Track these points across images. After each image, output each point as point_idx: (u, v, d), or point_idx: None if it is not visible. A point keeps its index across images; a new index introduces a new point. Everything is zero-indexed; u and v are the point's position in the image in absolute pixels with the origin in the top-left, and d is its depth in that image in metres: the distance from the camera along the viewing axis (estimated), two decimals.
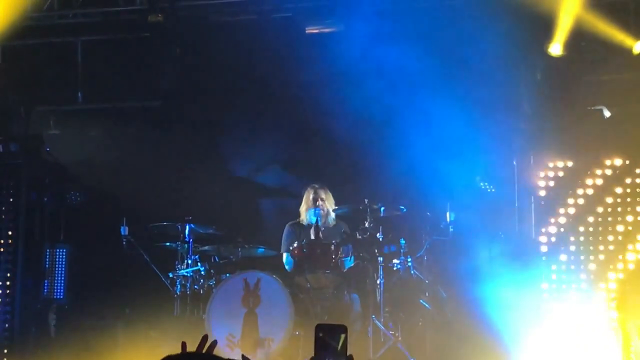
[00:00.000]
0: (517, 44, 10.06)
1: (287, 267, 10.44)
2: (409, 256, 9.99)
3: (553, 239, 9.87)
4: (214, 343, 3.79)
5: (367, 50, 10.53)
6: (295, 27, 11.03)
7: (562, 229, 9.86)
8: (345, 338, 2.65)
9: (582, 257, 9.79)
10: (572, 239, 9.82)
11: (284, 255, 10.47)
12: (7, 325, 10.68)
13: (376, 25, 10.68)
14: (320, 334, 2.69)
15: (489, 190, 10.41)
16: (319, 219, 10.26)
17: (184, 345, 3.31)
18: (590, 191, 9.83)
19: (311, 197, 10.39)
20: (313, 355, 2.67)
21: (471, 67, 10.21)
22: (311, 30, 11.16)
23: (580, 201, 9.84)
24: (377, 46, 10.49)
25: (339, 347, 2.64)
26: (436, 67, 10.29)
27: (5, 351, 10.60)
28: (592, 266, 9.73)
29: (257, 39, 11.01)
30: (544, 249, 9.87)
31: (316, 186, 10.45)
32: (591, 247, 9.77)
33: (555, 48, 10.14)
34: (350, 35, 10.82)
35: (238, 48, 11.21)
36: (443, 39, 10.24)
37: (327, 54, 10.54)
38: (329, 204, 10.43)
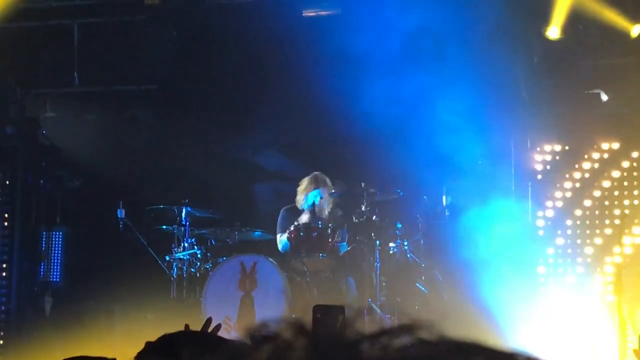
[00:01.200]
0: (514, 26, 10.04)
1: (280, 247, 10.41)
2: (405, 240, 10.01)
3: (549, 223, 9.88)
4: (219, 326, 3.80)
5: (364, 34, 10.50)
6: (292, 10, 11.00)
7: (558, 213, 9.87)
8: (344, 319, 2.63)
9: (578, 241, 9.80)
10: (568, 222, 9.84)
11: (278, 235, 10.44)
12: (3, 309, 10.68)
13: (373, 8, 10.65)
14: (318, 315, 2.67)
15: (485, 169, 10.39)
16: (315, 202, 10.24)
17: (187, 327, 3.32)
18: (587, 175, 9.84)
19: (309, 182, 10.36)
20: None
21: (468, 50, 10.19)
22: (308, 13, 11.13)
23: (577, 185, 9.85)
24: (373, 29, 10.46)
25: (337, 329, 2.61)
26: (433, 51, 10.28)
27: (2, 333, 10.60)
28: (588, 250, 9.74)
29: (254, 22, 10.99)
30: (540, 232, 9.88)
31: (316, 173, 10.40)
32: (588, 231, 9.78)
33: (553, 31, 10.12)
34: (347, 18, 10.80)
35: (234, 31, 11.18)
36: (440, 22, 10.21)
37: (324, 37, 10.51)
38: (325, 188, 10.41)
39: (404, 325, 1.16)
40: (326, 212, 10.39)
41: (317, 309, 2.69)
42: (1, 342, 10.56)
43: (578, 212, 9.80)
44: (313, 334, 1.17)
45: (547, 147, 9.99)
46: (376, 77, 10.26)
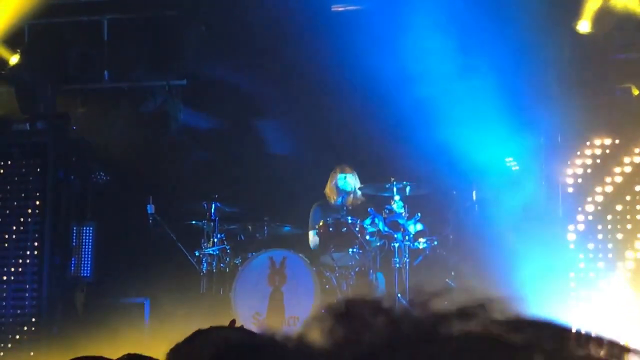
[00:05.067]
0: (545, 21, 9.97)
1: (311, 244, 10.43)
2: (434, 235, 9.98)
3: (583, 221, 9.78)
4: (233, 322, 3.78)
5: (393, 29, 10.48)
6: (321, 4, 10.99)
7: (592, 211, 9.76)
8: None
9: (610, 246, 9.68)
10: (608, 217, 9.70)
11: (310, 233, 10.46)
12: (34, 304, 10.73)
13: (402, 4, 10.62)
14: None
15: (514, 167, 10.35)
16: (344, 197, 10.24)
17: (233, 322, 3.31)
18: (618, 178, 9.72)
19: (337, 176, 10.39)
20: None
21: (498, 45, 10.14)
22: (337, 8, 11.12)
23: (609, 189, 9.72)
24: (403, 25, 10.43)
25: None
26: (463, 46, 10.24)
27: (33, 329, 10.66)
28: (625, 253, 9.62)
29: (283, 17, 10.97)
30: (571, 228, 9.80)
31: (343, 165, 10.46)
32: (621, 235, 9.66)
33: (584, 25, 10.05)
34: (377, 13, 10.77)
35: (264, 25, 11.18)
36: (470, 18, 10.17)
37: (353, 31, 10.49)
38: (354, 182, 10.41)
39: (478, 305, 1.16)
40: (356, 204, 10.37)
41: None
42: (32, 336, 10.62)
43: (618, 207, 9.68)
44: (391, 312, 1.17)
45: (579, 143, 9.91)
46: (405, 72, 10.22)
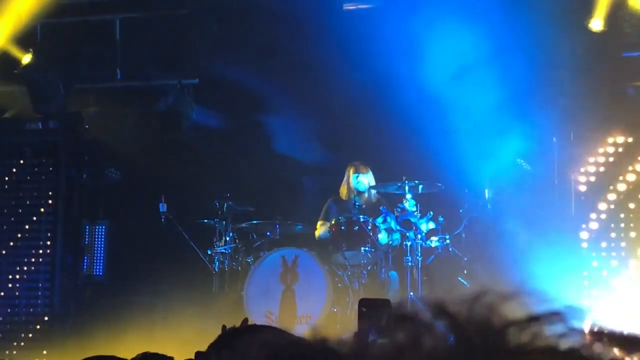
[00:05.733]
0: (557, 19, 9.95)
1: (318, 233, 10.40)
2: (447, 233, 9.95)
3: (597, 218, 9.75)
4: (245, 320, 3.78)
5: (404, 27, 10.47)
6: (332, 3, 10.99)
7: (606, 209, 9.74)
8: (390, 312, 2.60)
9: (623, 244, 9.66)
10: (621, 216, 9.67)
11: (319, 222, 10.45)
12: (47, 302, 10.77)
13: (413, 3, 10.61)
14: (364, 309, 2.65)
15: (525, 167, 10.33)
16: (357, 195, 10.23)
17: (245, 321, 3.30)
18: (631, 177, 9.68)
19: (351, 173, 10.38)
20: (351, 331, 2.62)
21: (510, 44, 10.12)
22: (349, 6, 11.11)
23: (622, 188, 9.69)
24: (414, 23, 10.42)
25: (383, 322, 2.58)
26: (475, 45, 10.22)
27: (45, 327, 10.69)
28: (638, 251, 9.59)
29: (295, 16, 10.97)
30: (584, 227, 9.77)
31: (356, 163, 10.44)
32: (634, 233, 9.63)
33: (596, 23, 10.02)
34: (388, 11, 10.77)
35: (276, 24, 11.18)
36: (482, 16, 10.15)
37: (364, 30, 10.49)
38: (369, 180, 10.40)
39: (553, 312, 1.09)
40: (370, 203, 10.36)
41: (363, 302, 2.66)
42: (44, 335, 10.65)
43: (631, 205, 9.65)
44: (456, 316, 1.09)
45: (591, 141, 9.89)
46: (417, 70, 10.21)
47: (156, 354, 3.25)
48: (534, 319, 1.08)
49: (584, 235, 9.73)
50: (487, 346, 1.06)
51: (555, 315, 1.06)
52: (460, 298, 1.13)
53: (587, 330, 1.06)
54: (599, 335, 1.07)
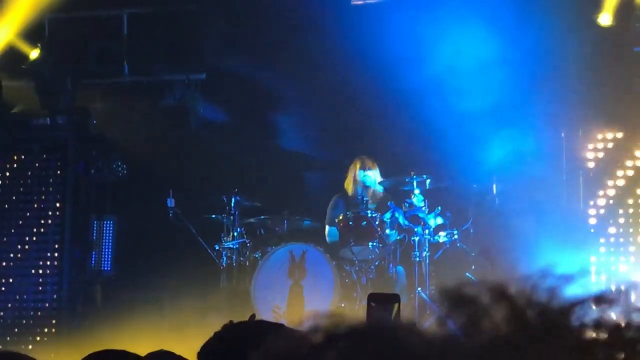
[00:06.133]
0: (565, 14, 9.92)
1: (327, 238, 10.41)
2: (455, 229, 9.94)
3: (602, 211, 9.76)
4: (253, 316, 3.77)
5: (413, 22, 10.46)
6: None
7: (610, 202, 9.74)
8: (399, 307, 2.59)
9: (631, 230, 9.67)
10: (620, 211, 9.70)
11: (327, 227, 10.44)
12: (55, 297, 10.79)
13: None
14: (373, 304, 2.63)
15: (529, 160, 10.30)
16: (364, 190, 10.21)
17: (252, 317, 3.29)
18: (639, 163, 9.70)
19: (357, 168, 10.36)
20: None
21: (519, 39, 10.11)
22: (357, 1, 11.10)
23: (630, 173, 9.72)
24: (422, 18, 10.40)
25: (392, 317, 2.58)
26: (483, 39, 10.20)
27: (54, 321, 10.71)
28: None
29: (303, 10, 10.96)
30: (592, 221, 9.77)
31: (363, 157, 10.41)
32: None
33: (605, 18, 9.99)
34: (397, 6, 10.75)
35: (283, 19, 11.18)
36: (490, 10, 10.13)
37: (373, 24, 10.48)
38: (375, 175, 10.37)
39: (619, 290, 1.06)
40: (377, 198, 10.34)
41: (372, 297, 2.64)
42: (53, 330, 10.67)
43: (630, 201, 9.67)
44: (515, 300, 1.05)
45: (599, 136, 9.87)
46: (425, 65, 10.20)
47: (173, 354, 3.23)
48: (597, 300, 1.04)
49: (592, 220, 9.75)
50: (548, 329, 1.03)
51: (619, 296, 1.03)
52: (520, 281, 1.11)
53: None
54: None
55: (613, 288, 0.98)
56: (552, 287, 1.04)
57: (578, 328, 1.01)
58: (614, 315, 1.05)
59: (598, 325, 1.03)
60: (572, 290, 1.08)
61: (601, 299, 1.02)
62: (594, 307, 1.05)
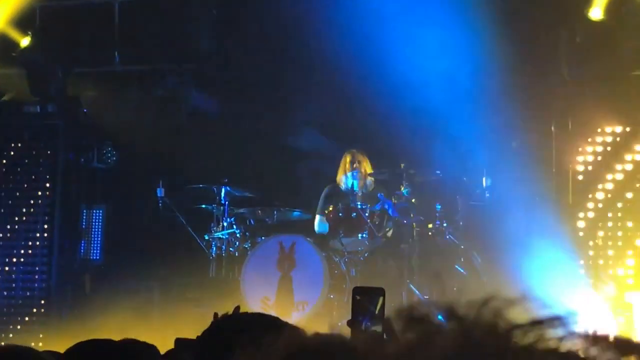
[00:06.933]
0: (556, 7, 9.93)
1: (316, 229, 10.41)
2: (444, 221, 9.96)
3: (594, 207, 9.76)
4: (237, 308, 3.77)
5: (405, 13, 10.45)
6: None
7: (603, 196, 9.74)
8: (384, 301, 2.60)
9: (619, 233, 9.66)
10: (618, 205, 9.67)
11: (316, 217, 10.44)
12: (44, 286, 10.79)
13: None
14: (358, 297, 2.64)
15: (515, 148, 10.30)
16: (355, 182, 10.22)
17: (237, 308, 3.30)
18: (629, 166, 9.68)
19: (348, 160, 10.35)
20: (348, 318, 2.62)
21: (509, 31, 10.10)
22: None
23: (619, 169, 9.72)
24: (414, 9, 10.39)
25: (377, 311, 2.58)
26: (473, 30, 10.19)
27: (42, 311, 10.71)
28: (634, 241, 9.59)
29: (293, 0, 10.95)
30: (581, 216, 9.78)
31: (353, 150, 10.40)
32: (631, 222, 9.62)
33: (596, 12, 9.99)
34: None
35: (273, 9, 11.16)
36: (481, 4, 10.12)
37: (363, 14, 10.46)
38: (366, 168, 10.37)
39: (555, 316, 1.12)
40: (367, 190, 10.34)
41: (357, 290, 2.65)
42: (42, 319, 10.66)
43: (629, 194, 9.65)
44: (464, 319, 1.13)
45: (589, 130, 9.88)
46: (417, 58, 10.19)
47: (136, 341, 3.25)
48: (537, 322, 1.11)
49: (580, 224, 9.74)
50: (494, 347, 1.09)
51: (557, 320, 1.10)
52: (469, 302, 1.17)
53: (585, 334, 1.11)
54: (596, 339, 1.10)
55: (561, 312, 1.05)
56: (498, 309, 1.11)
57: (520, 346, 1.08)
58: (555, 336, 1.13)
59: (537, 345, 1.10)
60: (517, 313, 1.15)
61: (541, 322, 1.09)
62: (534, 328, 1.12)
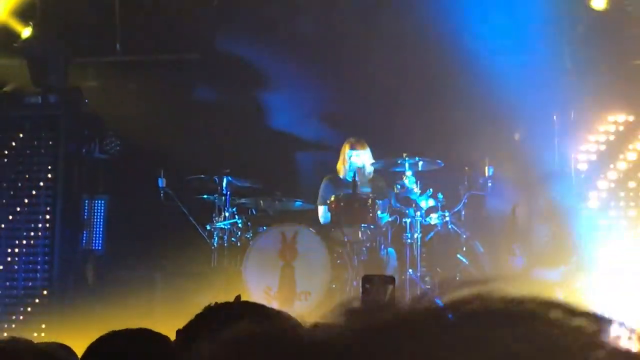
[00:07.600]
0: None
1: (321, 219, 10.41)
2: (446, 211, 9.94)
3: (596, 195, 9.75)
4: (238, 297, 3.77)
5: (406, 3, 10.44)
6: None
7: (607, 187, 9.74)
8: (393, 289, 2.59)
9: (623, 222, 9.67)
10: (621, 194, 9.67)
11: (320, 207, 10.43)
12: (46, 276, 10.78)
13: None
14: (367, 285, 2.63)
15: (516, 138, 10.30)
16: (355, 173, 10.20)
17: (238, 297, 3.29)
18: (632, 155, 9.68)
19: (347, 151, 10.33)
20: None
21: (512, 21, 10.09)
22: None
23: (622, 158, 9.71)
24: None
25: (386, 299, 2.57)
26: (475, 19, 10.18)
27: (44, 301, 10.70)
28: (638, 230, 9.59)
29: None
30: (587, 205, 9.77)
31: (352, 140, 10.36)
32: (634, 211, 9.63)
33: (598, 1, 9.98)
34: None
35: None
36: None
37: (364, 4, 10.45)
38: (366, 157, 10.35)
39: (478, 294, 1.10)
40: (368, 179, 10.32)
41: (366, 279, 2.64)
42: (44, 309, 10.66)
43: (631, 184, 9.65)
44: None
45: (591, 119, 9.87)
46: (419, 48, 10.19)
47: (151, 331, 3.24)
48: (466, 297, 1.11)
49: (584, 212, 9.74)
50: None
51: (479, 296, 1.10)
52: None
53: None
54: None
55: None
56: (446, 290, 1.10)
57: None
58: None
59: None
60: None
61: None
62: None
